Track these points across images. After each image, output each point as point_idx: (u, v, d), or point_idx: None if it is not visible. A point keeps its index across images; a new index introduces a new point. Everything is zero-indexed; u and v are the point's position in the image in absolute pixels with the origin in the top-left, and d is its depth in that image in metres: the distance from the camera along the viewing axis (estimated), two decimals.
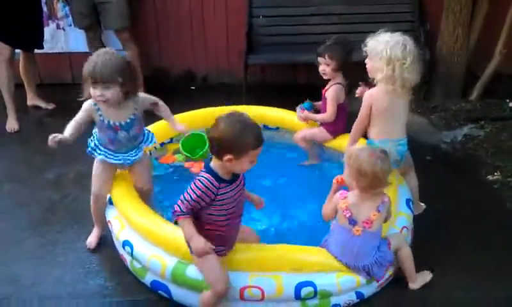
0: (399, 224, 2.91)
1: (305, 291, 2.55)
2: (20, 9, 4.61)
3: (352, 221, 2.58)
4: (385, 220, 2.69)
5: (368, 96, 3.07)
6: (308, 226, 3.13)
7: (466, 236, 3.21)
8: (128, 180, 3.10)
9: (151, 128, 3.38)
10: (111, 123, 2.82)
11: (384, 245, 2.68)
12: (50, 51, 5.46)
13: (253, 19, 5.44)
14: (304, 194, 3.40)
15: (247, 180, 2.54)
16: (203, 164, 3.67)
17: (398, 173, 3.17)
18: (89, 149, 2.95)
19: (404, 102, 3.08)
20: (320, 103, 3.80)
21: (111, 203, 3.12)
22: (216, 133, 2.28)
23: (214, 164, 2.37)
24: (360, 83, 3.31)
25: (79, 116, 2.84)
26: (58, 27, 5.50)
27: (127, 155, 2.96)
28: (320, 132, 3.75)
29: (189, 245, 2.46)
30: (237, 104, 4.28)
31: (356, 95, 3.33)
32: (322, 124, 3.74)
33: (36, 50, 5.06)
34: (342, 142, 3.56)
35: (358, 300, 2.71)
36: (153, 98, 3.06)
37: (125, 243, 2.86)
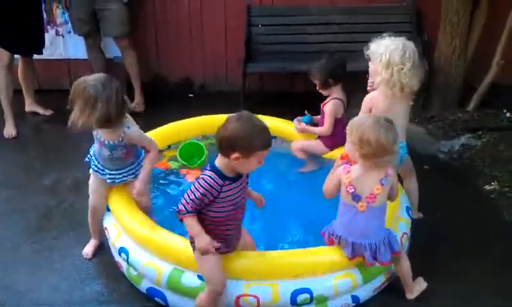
0: (400, 229, 2.90)
1: (301, 297, 2.55)
2: (20, 14, 4.62)
3: (356, 197, 2.55)
4: (391, 198, 2.64)
5: (369, 99, 3.09)
6: (307, 231, 3.12)
7: (463, 245, 3.22)
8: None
9: (150, 134, 3.37)
10: (98, 136, 2.84)
11: (392, 233, 2.67)
12: (49, 57, 5.46)
13: (252, 28, 5.45)
14: (303, 199, 3.41)
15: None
16: (198, 173, 3.73)
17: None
18: (88, 157, 3.00)
19: (404, 107, 3.09)
20: (318, 117, 3.81)
21: (108, 209, 3.11)
22: (226, 131, 2.29)
23: (219, 161, 2.37)
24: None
25: None
26: (57, 33, 5.50)
27: (114, 173, 2.93)
28: (317, 145, 3.75)
29: (192, 243, 2.47)
30: (235, 112, 4.28)
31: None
32: (320, 137, 3.75)
33: (35, 56, 5.06)
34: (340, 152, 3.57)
35: (354, 304, 2.70)
36: (148, 145, 2.94)
37: (121, 250, 2.85)
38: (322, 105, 3.72)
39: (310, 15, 5.48)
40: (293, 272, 2.58)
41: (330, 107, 3.63)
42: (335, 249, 2.68)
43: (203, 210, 2.39)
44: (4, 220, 3.54)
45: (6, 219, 3.55)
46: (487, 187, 3.89)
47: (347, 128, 2.60)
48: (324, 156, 3.75)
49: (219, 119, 4.06)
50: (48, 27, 5.34)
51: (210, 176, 2.34)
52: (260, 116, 4.06)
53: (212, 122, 4.14)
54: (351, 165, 2.61)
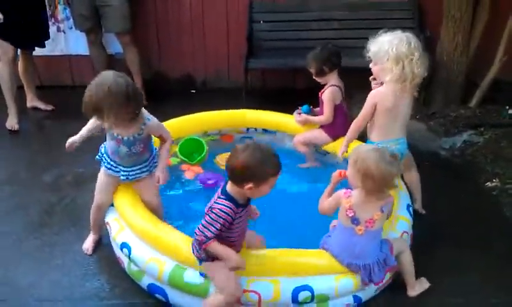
0: (399, 228, 2.90)
1: (302, 295, 2.54)
2: (23, 8, 4.62)
3: (356, 221, 2.56)
4: (386, 218, 2.67)
5: (373, 95, 3.06)
6: (306, 229, 3.11)
7: (464, 242, 3.21)
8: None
9: None
10: (115, 134, 2.79)
11: (386, 247, 2.67)
12: (50, 53, 5.46)
13: (253, 24, 5.45)
14: (303, 196, 3.40)
15: None
16: (198, 169, 3.74)
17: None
18: (99, 155, 2.96)
19: (408, 101, 3.07)
20: (318, 109, 3.84)
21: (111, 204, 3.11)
22: (237, 163, 2.31)
23: (232, 189, 2.39)
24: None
25: (90, 121, 2.89)
26: (59, 29, 5.50)
27: (129, 170, 2.91)
28: (319, 134, 3.77)
29: (199, 258, 2.51)
30: (237, 108, 4.30)
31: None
32: (322, 126, 3.76)
33: (36, 52, 5.06)
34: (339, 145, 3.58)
35: (356, 304, 2.70)
36: (165, 134, 2.95)
37: (123, 245, 2.85)
38: (320, 94, 3.75)
39: (311, 11, 5.48)
40: (293, 271, 2.59)
41: (328, 94, 3.68)
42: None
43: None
44: (5, 216, 3.54)
45: (8, 215, 3.56)
46: (489, 184, 3.88)
47: (351, 154, 2.60)
48: (326, 148, 3.76)
49: (221, 115, 4.17)
50: (50, 23, 5.33)
51: (227, 206, 2.37)
52: (261, 111, 4.16)
53: (213, 118, 4.18)
54: (349, 187, 2.64)
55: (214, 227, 2.36)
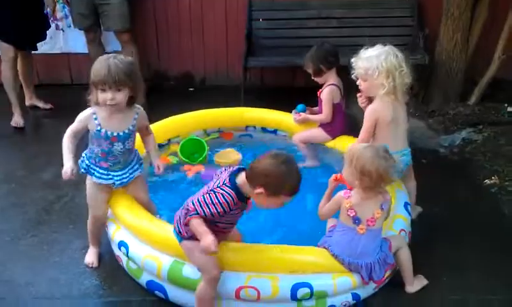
0: (397, 226, 2.89)
1: (301, 292, 2.54)
2: (22, 9, 4.60)
3: (357, 220, 2.58)
4: (385, 218, 2.69)
5: (373, 111, 3.05)
6: (306, 227, 3.12)
7: (463, 239, 3.21)
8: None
9: (151, 128, 3.36)
10: (108, 133, 2.73)
11: (385, 245, 2.69)
12: (49, 52, 5.46)
13: (252, 22, 5.44)
14: (303, 195, 3.38)
15: None
16: (199, 167, 3.73)
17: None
18: (83, 170, 2.85)
19: (404, 108, 3.10)
20: (316, 108, 3.84)
21: None
22: (261, 164, 2.31)
23: (242, 182, 2.38)
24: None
25: (75, 126, 2.75)
26: (57, 27, 5.49)
27: (120, 174, 2.86)
28: (319, 133, 3.77)
29: (179, 234, 2.50)
30: (236, 106, 4.29)
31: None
32: (321, 125, 3.76)
33: (35, 51, 5.05)
34: (341, 144, 3.62)
35: (355, 301, 2.70)
36: (148, 124, 2.99)
37: (121, 243, 2.85)
38: (318, 93, 3.76)
39: (311, 9, 5.46)
40: (291, 269, 2.59)
41: (326, 93, 3.69)
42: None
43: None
44: (4, 214, 3.54)
45: (6, 213, 3.56)
46: (487, 182, 3.88)
47: (347, 153, 2.62)
48: (326, 146, 3.77)
49: (220, 113, 4.16)
50: (48, 9, 5.32)
51: (230, 195, 2.35)
52: (261, 109, 4.16)
53: (212, 116, 4.17)
54: (347, 188, 2.66)
55: (209, 209, 2.34)
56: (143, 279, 2.78)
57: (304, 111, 3.89)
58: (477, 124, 4.71)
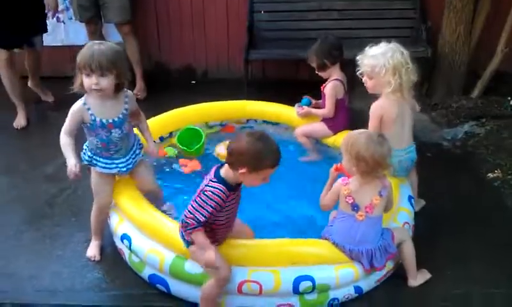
0: (401, 219, 2.90)
1: (303, 285, 2.54)
2: (10, 8, 4.44)
3: (356, 207, 2.59)
4: (386, 209, 2.69)
5: (378, 108, 3.03)
6: (308, 220, 3.13)
7: (466, 233, 3.21)
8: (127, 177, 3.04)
9: (152, 121, 3.36)
10: (104, 121, 2.73)
11: (387, 234, 2.69)
12: (50, 44, 5.43)
13: (254, 14, 5.41)
14: (305, 188, 3.39)
15: None
16: (195, 164, 3.72)
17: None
18: (87, 160, 2.86)
19: (409, 106, 3.09)
20: (320, 102, 3.84)
21: None
22: (238, 145, 2.34)
23: (226, 172, 2.41)
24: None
25: (69, 124, 2.74)
26: (58, 20, 5.48)
27: (124, 161, 2.87)
28: (321, 128, 3.77)
29: (185, 240, 2.51)
30: (238, 99, 4.28)
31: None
32: (323, 120, 3.76)
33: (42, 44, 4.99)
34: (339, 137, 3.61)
35: (357, 294, 2.70)
36: (137, 106, 2.98)
37: (124, 236, 2.84)
38: (322, 87, 3.76)
39: (312, 1, 5.42)
40: (293, 261, 2.59)
41: (330, 88, 3.67)
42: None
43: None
44: (6, 208, 3.54)
45: (9, 207, 3.56)
46: (490, 175, 3.87)
47: (342, 142, 2.64)
48: (328, 142, 3.76)
49: (221, 106, 4.15)
50: (49, 13, 5.29)
51: (219, 189, 2.37)
52: (262, 102, 4.15)
53: (213, 109, 4.16)
54: (346, 177, 2.66)
55: (205, 210, 2.35)
56: (145, 272, 2.79)
57: (309, 105, 3.88)
58: (480, 117, 4.69)
